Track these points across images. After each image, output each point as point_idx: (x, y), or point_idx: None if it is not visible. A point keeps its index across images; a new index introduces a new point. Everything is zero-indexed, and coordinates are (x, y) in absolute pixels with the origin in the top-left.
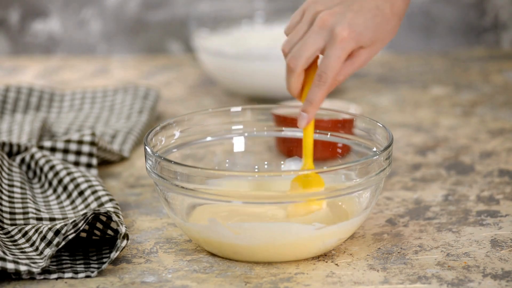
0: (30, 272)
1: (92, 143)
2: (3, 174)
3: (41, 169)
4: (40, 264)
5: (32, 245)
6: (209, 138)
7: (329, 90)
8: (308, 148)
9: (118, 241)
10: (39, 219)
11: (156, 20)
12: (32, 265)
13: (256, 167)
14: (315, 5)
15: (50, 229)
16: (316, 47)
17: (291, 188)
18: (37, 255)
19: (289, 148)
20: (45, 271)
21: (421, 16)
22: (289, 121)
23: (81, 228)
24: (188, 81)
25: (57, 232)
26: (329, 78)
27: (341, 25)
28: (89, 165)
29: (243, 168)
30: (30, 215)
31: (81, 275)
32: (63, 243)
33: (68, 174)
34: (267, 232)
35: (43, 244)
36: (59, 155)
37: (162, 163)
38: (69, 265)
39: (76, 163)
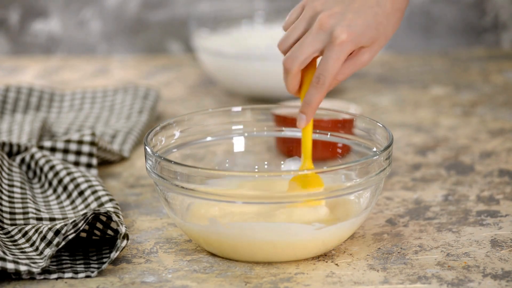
0: (30, 272)
1: (92, 143)
2: (3, 174)
3: (41, 169)
4: (40, 264)
5: (32, 245)
6: (209, 138)
7: (328, 91)
8: (307, 148)
9: (118, 241)
10: (39, 219)
11: (156, 20)
12: (32, 265)
13: (256, 167)
14: (314, 3)
15: (50, 229)
16: (314, 49)
17: (289, 188)
18: (37, 255)
19: (289, 148)
20: (45, 271)
21: (421, 16)
22: (289, 121)
23: (81, 228)
24: (188, 81)
25: (57, 232)
26: (327, 80)
27: (340, 27)
28: (89, 165)
29: (243, 168)
30: (30, 215)
31: (81, 275)
32: (63, 243)
33: (68, 174)
34: (267, 232)
35: (43, 244)
36: (59, 155)
37: (162, 163)
38: (69, 265)
39: (76, 163)
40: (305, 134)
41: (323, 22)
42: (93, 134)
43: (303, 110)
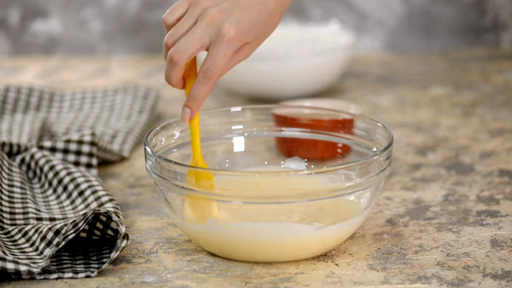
0: (30, 272)
1: (92, 143)
2: (3, 174)
3: (41, 169)
4: (40, 264)
5: (32, 245)
6: (209, 138)
7: (213, 86)
8: (195, 142)
9: (118, 241)
10: (39, 219)
11: (156, 20)
12: (32, 265)
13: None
14: (201, 1)
15: (50, 229)
16: (202, 43)
17: (187, 182)
18: (37, 255)
19: (289, 148)
20: (45, 271)
21: (421, 16)
22: (289, 121)
23: (81, 228)
24: None
25: (57, 232)
26: (214, 75)
27: (229, 23)
28: (89, 165)
29: (243, 168)
30: (30, 215)
31: (81, 275)
32: (63, 243)
33: (68, 174)
34: (267, 232)
35: (43, 244)
36: (59, 155)
37: (162, 163)
38: (69, 265)
39: (76, 163)
40: (193, 128)
41: (212, 17)
42: (93, 134)
43: (188, 104)
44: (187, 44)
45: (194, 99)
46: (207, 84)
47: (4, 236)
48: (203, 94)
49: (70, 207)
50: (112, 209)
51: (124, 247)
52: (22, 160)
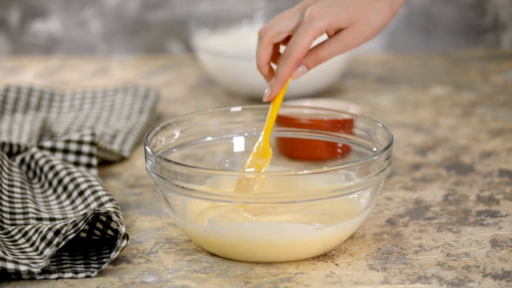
0: (30, 272)
1: (92, 143)
2: (3, 174)
3: (41, 169)
4: (40, 264)
5: (32, 245)
6: (209, 138)
7: (297, 65)
8: (270, 123)
9: (118, 241)
10: (39, 219)
11: (156, 20)
12: (32, 265)
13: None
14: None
15: (50, 229)
16: (288, 24)
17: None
18: (37, 255)
19: (289, 148)
20: (45, 271)
21: (421, 16)
22: (289, 121)
23: (81, 228)
24: (188, 81)
25: (57, 232)
26: (295, 53)
27: (314, 6)
28: (89, 165)
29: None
30: (30, 215)
31: (81, 275)
32: (63, 243)
33: (68, 174)
34: (267, 232)
35: (43, 244)
36: (59, 155)
37: (162, 163)
38: (69, 265)
39: (76, 163)
40: (273, 108)
41: (303, 4)
42: (93, 134)
43: (271, 83)
44: (274, 23)
45: (276, 77)
46: (288, 64)
47: (4, 236)
48: (285, 72)
49: (70, 207)
50: (112, 209)
51: (124, 247)
52: (22, 160)
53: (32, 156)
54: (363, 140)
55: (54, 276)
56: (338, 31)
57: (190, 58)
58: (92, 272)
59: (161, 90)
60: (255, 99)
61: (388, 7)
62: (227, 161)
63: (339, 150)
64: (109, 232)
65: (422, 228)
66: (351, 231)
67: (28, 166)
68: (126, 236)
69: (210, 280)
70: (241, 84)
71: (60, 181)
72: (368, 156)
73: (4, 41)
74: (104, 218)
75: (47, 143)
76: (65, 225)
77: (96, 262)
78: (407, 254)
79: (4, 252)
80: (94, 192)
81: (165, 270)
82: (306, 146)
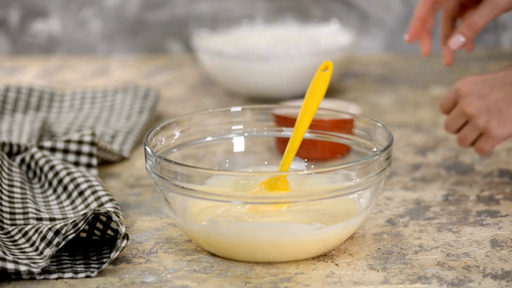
0: (30, 272)
1: (92, 143)
2: (3, 174)
3: (41, 169)
4: (40, 264)
5: (32, 245)
6: (209, 138)
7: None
8: (291, 153)
9: (118, 241)
10: (39, 219)
11: (156, 20)
12: (32, 265)
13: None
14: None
15: (50, 229)
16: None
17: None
18: (37, 255)
19: None
20: (45, 271)
21: None
22: (289, 121)
23: (81, 228)
24: (188, 81)
25: (57, 232)
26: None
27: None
28: (89, 165)
29: (243, 168)
30: (30, 215)
31: (81, 275)
32: (63, 243)
33: (68, 174)
34: (267, 232)
35: (43, 244)
36: (59, 155)
37: (162, 163)
38: (69, 265)
39: (76, 163)
40: (298, 131)
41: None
42: (93, 134)
43: (462, 31)
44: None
45: (469, 26)
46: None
47: (4, 236)
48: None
49: (70, 207)
50: (112, 209)
51: (124, 247)
52: (22, 160)
53: (32, 156)
54: (363, 140)
55: (54, 276)
56: None
57: (190, 58)
58: (92, 272)
59: (161, 90)
60: (255, 99)
61: None
62: (227, 161)
63: (339, 150)
64: (109, 232)
65: (422, 228)
66: (351, 231)
67: (28, 166)
68: (126, 236)
69: (210, 280)
70: (241, 84)
71: (60, 181)
72: (368, 156)
73: (4, 41)
74: (104, 218)
75: (47, 143)
76: (65, 225)
77: (96, 262)
78: (407, 254)
79: (4, 252)
80: (94, 192)
81: (165, 270)
82: (306, 146)
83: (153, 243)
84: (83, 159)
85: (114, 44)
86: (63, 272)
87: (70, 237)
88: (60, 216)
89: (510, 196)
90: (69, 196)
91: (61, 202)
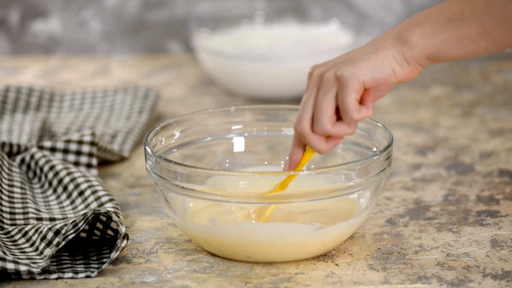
0: (30, 272)
1: (92, 143)
2: (3, 174)
3: (41, 169)
4: (40, 264)
5: (32, 245)
6: (209, 138)
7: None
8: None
9: (118, 241)
10: (39, 219)
11: (156, 20)
12: (32, 265)
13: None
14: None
15: (50, 229)
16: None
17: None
18: (37, 255)
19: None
20: (45, 271)
21: None
22: None
23: (81, 228)
24: (188, 81)
25: (57, 232)
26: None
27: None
28: (89, 165)
29: (243, 168)
30: (30, 215)
31: (81, 275)
32: (63, 243)
33: (68, 174)
34: (267, 232)
35: (43, 244)
36: (59, 155)
37: (162, 163)
38: (69, 265)
39: (76, 163)
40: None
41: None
42: (93, 134)
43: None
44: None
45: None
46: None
47: (4, 236)
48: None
49: (70, 207)
50: (112, 209)
51: (124, 247)
52: (22, 160)
53: (32, 156)
54: (363, 140)
55: (54, 276)
56: None
57: (190, 58)
58: (92, 272)
59: (161, 90)
60: (255, 99)
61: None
62: (227, 161)
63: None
64: (109, 232)
65: (422, 228)
66: (351, 231)
67: (28, 166)
68: (126, 236)
69: (210, 280)
70: (241, 84)
71: (60, 181)
72: (368, 156)
73: (4, 41)
74: (104, 218)
75: (47, 143)
76: (65, 225)
77: (96, 262)
78: (407, 254)
79: (4, 252)
80: (94, 192)
81: (165, 270)
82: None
83: (153, 243)
84: (83, 159)
85: (114, 44)
86: (63, 272)
87: (70, 237)
88: (60, 216)
89: (510, 196)
90: (69, 196)
91: (61, 202)
